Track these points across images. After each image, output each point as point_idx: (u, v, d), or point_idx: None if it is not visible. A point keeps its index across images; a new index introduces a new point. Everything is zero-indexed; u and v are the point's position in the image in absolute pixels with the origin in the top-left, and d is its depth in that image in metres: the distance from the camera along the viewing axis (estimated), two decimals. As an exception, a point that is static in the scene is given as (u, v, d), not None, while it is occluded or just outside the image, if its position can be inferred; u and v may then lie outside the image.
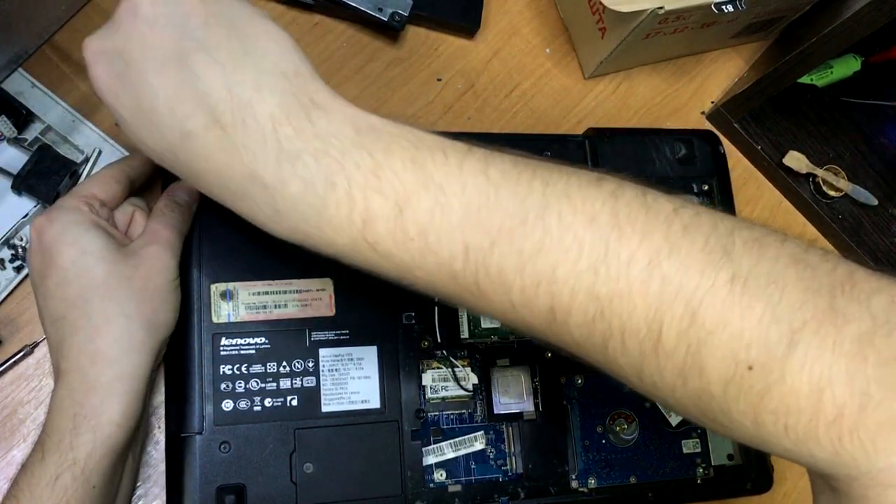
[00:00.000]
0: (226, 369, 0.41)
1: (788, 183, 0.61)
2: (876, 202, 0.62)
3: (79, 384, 0.37)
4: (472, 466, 0.45)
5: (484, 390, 0.46)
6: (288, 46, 0.31)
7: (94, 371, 0.37)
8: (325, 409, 0.42)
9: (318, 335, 0.43)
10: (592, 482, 0.46)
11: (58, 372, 0.38)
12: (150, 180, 0.45)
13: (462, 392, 0.45)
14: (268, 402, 0.42)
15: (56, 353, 0.38)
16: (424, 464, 0.44)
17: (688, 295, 0.26)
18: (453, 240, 0.28)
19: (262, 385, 0.42)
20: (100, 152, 0.46)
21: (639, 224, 0.27)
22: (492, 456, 0.45)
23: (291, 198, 0.29)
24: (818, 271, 0.26)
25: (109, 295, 0.38)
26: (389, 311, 0.45)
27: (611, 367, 0.29)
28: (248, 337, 0.42)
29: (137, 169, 0.43)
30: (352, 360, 0.44)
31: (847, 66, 0.62)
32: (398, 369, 0.44)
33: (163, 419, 0.43)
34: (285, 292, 0.44)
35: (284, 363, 0.42)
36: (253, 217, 0.31)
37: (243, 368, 0.42)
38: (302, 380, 0.42)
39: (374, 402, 0.43)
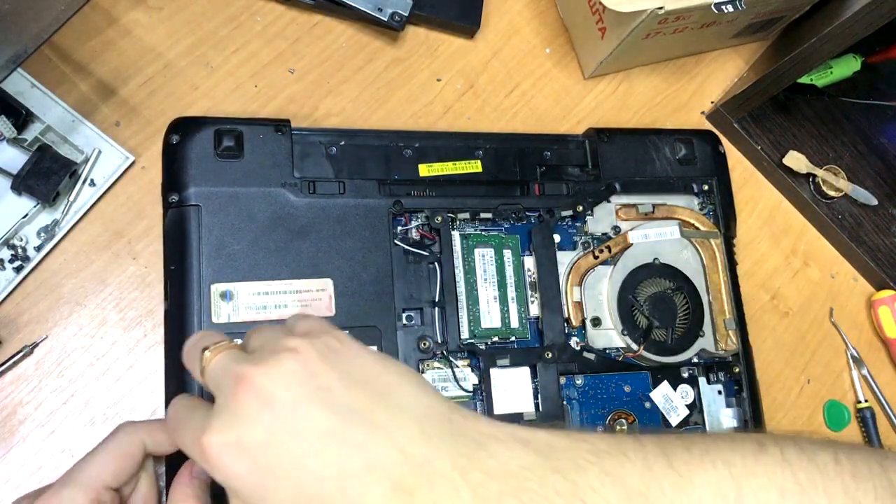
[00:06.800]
0: (226, 369, 0.41)
1: (788, 183, 0.61)
2: (876, 202, 0.62)
3: None
4: (472, 467, 0.45)
5: (484, 390, 0.46)
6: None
7: None
8: (325, 409, 0.42)
9: (317, 335, 0.43)
10: (592, 482, 0.46)
11: None
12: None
13: (462, 392, 0.45)
14: (268, 402, 0.41)
15: None
16: (424, 464, 0.44)
17: None
18: None
19: (262, 385, 0.42)
20: (99, 152, 0.46)
21: (819, 486, 0.29)
22: (492, 456, 0.45)
23: None
24: None
25: None
26: (389, 311, 0.45)
27: None
28: (248, 337, 0.42)
29: (161, 443, 0.36)
30: (352, 360, 0.43)
31: (847, 66, 0.62)
32: (398, 369, 0.44)
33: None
34: (285, 292, 0.44)
35: (284, 363, 0.42)
36: None
37: (243, 369, 0.42)
38: (302, 380, 0.42)
39: (374, 403, 0.43)
